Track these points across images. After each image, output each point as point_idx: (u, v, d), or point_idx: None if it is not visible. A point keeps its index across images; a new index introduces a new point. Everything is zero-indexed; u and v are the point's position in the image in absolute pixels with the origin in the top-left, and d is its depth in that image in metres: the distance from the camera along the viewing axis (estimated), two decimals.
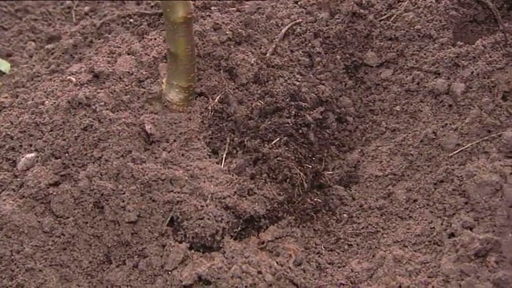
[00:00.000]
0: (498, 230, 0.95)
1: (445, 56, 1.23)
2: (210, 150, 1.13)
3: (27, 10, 1.65)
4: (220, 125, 1.16)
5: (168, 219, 1.02)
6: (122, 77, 1.20)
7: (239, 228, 1.05)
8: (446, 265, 0.95)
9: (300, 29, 1.36)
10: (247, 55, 1.27)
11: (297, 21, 1.38)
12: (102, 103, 1.13)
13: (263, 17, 1.40)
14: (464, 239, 0.96)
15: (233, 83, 1.23)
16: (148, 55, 1.25)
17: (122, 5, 1.63)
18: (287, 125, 1.17)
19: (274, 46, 1.32)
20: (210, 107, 1.17)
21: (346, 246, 1.10)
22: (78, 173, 1.06)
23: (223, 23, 1.33)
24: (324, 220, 1.15)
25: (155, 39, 1.31)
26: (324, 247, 1.10)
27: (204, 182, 1.06)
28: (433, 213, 1.06)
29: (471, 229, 0.98)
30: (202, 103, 1.18)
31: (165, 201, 1.02)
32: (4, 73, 1.40)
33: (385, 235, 1.09)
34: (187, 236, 1.01)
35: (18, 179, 1.07)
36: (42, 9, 1.65)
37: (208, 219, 1.01)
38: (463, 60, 1.21)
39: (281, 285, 0.99)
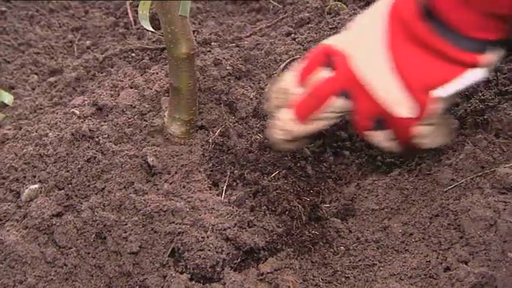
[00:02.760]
0: (493, 264, 0.97)
1: None
2: (210, 182, 1.15)
3: (29, 44, 1.68)
4: (221, 157, 1.18)
5: (170, 250, 1.04)
6: (124, 110, 1.22)
7: (239, 260, 1.06)
8: None
9: None
10: (247, 90, 1.31)
11: (295, 57, 1.42)
12: (106, 135, 1.15)
13: (262, 53, 1.43)
14: (459, 273, 0.97)
15: (233, 117, 1.26)
16: (151, 89, 1.28)
17: (123, 39, 1.67)
18: (285, 158, 1.20)
19: (273, 81, 1.35)
20: (210, 140, 1.20)
21: (343, 279, 1.11)
22: (81, 204, 1.08)
23: (224, 58, 1.37)
24: (322, 252, 1.16)
25: (157, 73, 1.34)
26: (321, 279, 1.11)
27: (205, 213, 1.07)
28: (428, 247, 1.08)
29: (466, 263, 1.00)
30: (203, 136, 1.21)
31: (167, 232, 1.04)
32: (7, 105, 1.42)
33: (381, 268, 1.10)
34: (188, 267, 1.02)
35: (22, 210, 1.08)
36: (44, 43, 1.68)
37: (209, 250, 1.02)
38: (457, 97, 1.24)
39: None
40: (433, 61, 0.99)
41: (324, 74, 1.09)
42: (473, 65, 0.99)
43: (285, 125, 1.12)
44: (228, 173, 1.16)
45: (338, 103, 1.08)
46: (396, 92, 1.03)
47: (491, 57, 0.99)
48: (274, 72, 1.37)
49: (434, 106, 1.02)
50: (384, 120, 1.07)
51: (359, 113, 1.09)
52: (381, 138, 1.11)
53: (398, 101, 1.03)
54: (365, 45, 1.05)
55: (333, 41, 1.11)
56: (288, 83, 1.14)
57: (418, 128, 1.05)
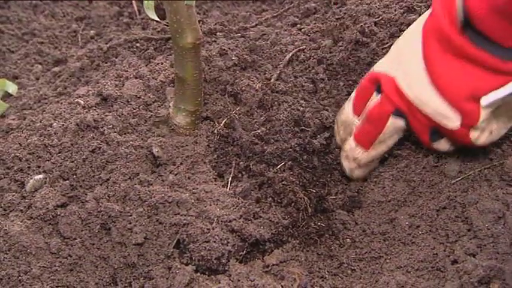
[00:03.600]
0: (501, 257, 0.96)
1: None
2: (216, 173, 1.14)
3: (33, 33, 1.67)
4: (226, 149, 1.17)
5: (175, 241, 1.03)
6: (129, 100, 1.21)
7: (244, 252, 1.06)
8: None
9: (304, 55, 1.39)
10: (253, 80, 1.30)
11: (301, 48, 1.41)
12: (110, 126, 1.15)
13: (267, 43, 1.42)
14: (467, 266, 0.97)
15: (238, 108, 1.25)
16: (156, 79, 1.27)
17: (127, 29, 1.65)
18: (291, 149, 1.19)
19: (278, 72, 1.34)
20: (216, 131, 1.19)
21: (349, 271, 1.11)
22: (86, 194, 1.07)
23: (229, 48, 1.36)
24: (328, 244, 1.16)
25: (162, 63, 1.33)
26: (327, 271, 1.11)
27: (210, 205, 1.07)
28: (435, 240, 1.07)
29: (474, 256, 0.99)
30: (208, 127, 1.20)
31: (172, 223, 1.03)
32: (11, 95, 1.41)
33: (388, 260, 1.09)
34: (193, 258, 1.02)
35: (27, 200, 1.07)
36: (48, 32, 1.67)
37: (214, 242, 1.02)
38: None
39: None
40: (473, 70, 0.99)
41: (376, 99, 1.13)
42: None
43: (351, 154, 1.18)
44: (234, 165, 1.16)
45: (394, 124, 1.12)
46: (440, 105, 1.04)
47: None
48: (280, 62, 1.36)
49: (481, 113, 1.01)
50: (440, 130, 1.09)
51: (415, 129, 1.12)
52: (446, 146, 1.13)
53: (444, 114, 1.04)
54: (405, 63, 1.08)
55: (378, 66, 1.15)
56: (347, 114, 1.19)
57: (472, 134, 1.05)
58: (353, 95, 1.20)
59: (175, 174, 1.11)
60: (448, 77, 1.02)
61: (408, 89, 1.07)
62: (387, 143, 1.17)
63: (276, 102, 1.27)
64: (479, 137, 1.05)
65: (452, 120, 1.04)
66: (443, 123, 1.05)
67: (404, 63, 1.08)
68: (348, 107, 1.20)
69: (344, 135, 1.21)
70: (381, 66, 1.14)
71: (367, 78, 1.16)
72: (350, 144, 1.18)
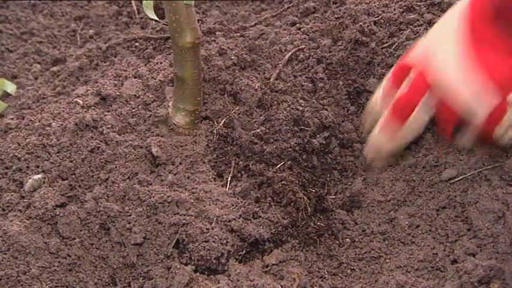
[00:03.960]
0: (501, 257, 0.96)
1: None
2: (215, 173, 1.14)
3: (32, 33, 1.66)
4: (225, 148, 1.17)
5: (174, 241, 1.03)
6: (128, 100, 1.21)
7: (244, 252, 1.05)
8: None
9: (303, 55, 1.38)
10: (252, 80, 1.29)
11: (300, 47, 1.40)
12: (109, 125, 1.14)
13: (267, 43, 1.42)
14: (467, 266, 0.96)
15: (237, 108, 1.25)
16: (155, 79, 1.26)
17: (126, 28, 1.65)
18: (290, 149, 1.18)
19: (277, 71, 1.34)
20: (215, 131, 1.18)
21: (349, 271, 1.11)
22: (85, 194, 1.07)
23: (228, 48, 1.35)
24: (327, 244, 1.16)
25: (161, 63, 1.33)
26: (327, 271, 1.11)
27: (210, 205, 1.06)
28: (435, 239, 1.07)
29: (474, 256, 0.99)
30: (208, 127, 1.19)
31: (171, 223, 1.03)
32: (10, 95, 1.41)
33: (387, 260, 1.09)
34: (193, 258, 1.02)
35: (25, 200, 1.07)
36: (47, 32, 1.66)
37: (214, 242, 1.02)
38: None
39: None
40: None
41: (406, 87, 1.10)
42: None
43: (375, 141, 1.15)
44: (233, 164, 1.15)
45: (420, 113, 1.09)
46: (468, 98, 1.01)
47: None
48: (279, 62, 1.36)
49: (508, 110, 1.00)
50: (465, 123, 1.06)
51: (440, 121, 1.11)
52: (468, 142, 1.11)
53: (470, 108, 1.01)
54: (437, 52, 1.05)
55: (408, 56, 1.12)
56: (376, 102, 1.17)
57: (497, 130, 1.03)
58: (384, 82, 1.17)
59: (175, 174, 1.10)
60: (487, 66, 0.98)
61: (438, 78, 1.04)
62: (411, 133, 1.13)
63: (275, 102, 1.26)
64: (503, 136, 1.03)
65: (477, 114, 1.02)
66: (469, 116, 1.03)
67: (437, 51, 1.05)
68: (378, 93, 1.17)
69: (370, 122, 1.17)
70: (413, 56, 1.11)
71: (398, 67, 1.13)
72: (375, 131, 1.15)
